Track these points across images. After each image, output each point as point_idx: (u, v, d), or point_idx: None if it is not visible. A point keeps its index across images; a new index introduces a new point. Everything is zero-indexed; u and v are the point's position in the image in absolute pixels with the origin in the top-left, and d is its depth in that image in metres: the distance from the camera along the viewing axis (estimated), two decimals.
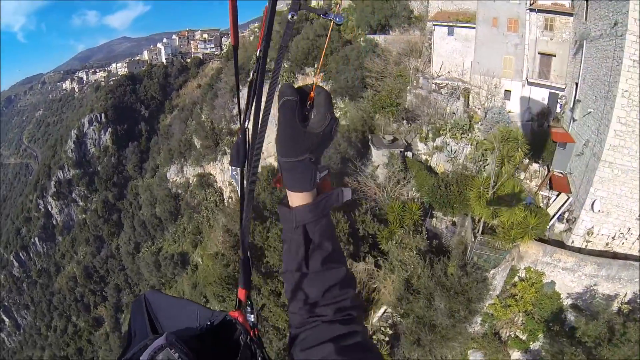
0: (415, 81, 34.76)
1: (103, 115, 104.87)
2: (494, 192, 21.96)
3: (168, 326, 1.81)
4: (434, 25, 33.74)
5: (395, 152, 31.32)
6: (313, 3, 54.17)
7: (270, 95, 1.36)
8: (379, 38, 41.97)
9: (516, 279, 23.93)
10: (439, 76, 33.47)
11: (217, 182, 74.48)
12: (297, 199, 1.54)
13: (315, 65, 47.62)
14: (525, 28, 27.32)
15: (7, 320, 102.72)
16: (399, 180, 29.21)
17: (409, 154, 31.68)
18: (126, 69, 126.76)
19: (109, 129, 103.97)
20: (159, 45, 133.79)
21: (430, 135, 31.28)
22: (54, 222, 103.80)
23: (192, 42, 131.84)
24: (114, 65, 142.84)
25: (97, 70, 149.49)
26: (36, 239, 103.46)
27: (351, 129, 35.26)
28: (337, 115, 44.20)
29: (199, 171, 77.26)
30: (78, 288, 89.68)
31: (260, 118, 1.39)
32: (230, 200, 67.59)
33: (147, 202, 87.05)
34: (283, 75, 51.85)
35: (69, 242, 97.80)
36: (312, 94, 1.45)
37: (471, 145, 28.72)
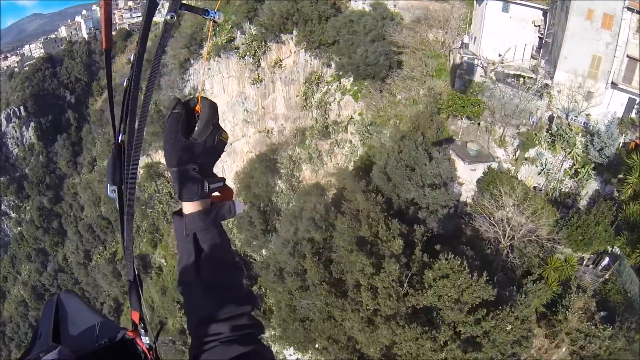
0: (452, 60, 30.94)
1: (22, 108, 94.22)
2: None
3: (72, 333, 1.82)
4: None
5: (490, 166, 27.16)
6: None
7: (146, 106, 1.33)
8: (386, 1, 35.91)
9: None
10: (502, 63, 29.63)
11: (168, 172, 67.73)
12: (189, 207, 1.55)
13: (295, 33, 40.97)
14: (620, 27, 25.78)
15: None
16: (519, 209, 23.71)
17: (494, 165, 27.66)
18: (42, 50, 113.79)
19: (32, 123, 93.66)
20: (78, 18, 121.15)
21: (508, 139, 27.96)
22: None
23: (115, 12, 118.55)
24: (27, 47, 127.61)
25: (9, 54, 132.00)
26: None
27: (430, 139, 27.84)
28: (339, 92, 34.17)
29: (146, 161, 70.78)
30: (31, 312, 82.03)
31: (136, 130, 1.37)
32: None
33: (89, 202, 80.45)
34: (252, 45, 45.43)
35: (8, 262, 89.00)
36: (198, 107, 1.49)
37: (573, 160, 26.01)
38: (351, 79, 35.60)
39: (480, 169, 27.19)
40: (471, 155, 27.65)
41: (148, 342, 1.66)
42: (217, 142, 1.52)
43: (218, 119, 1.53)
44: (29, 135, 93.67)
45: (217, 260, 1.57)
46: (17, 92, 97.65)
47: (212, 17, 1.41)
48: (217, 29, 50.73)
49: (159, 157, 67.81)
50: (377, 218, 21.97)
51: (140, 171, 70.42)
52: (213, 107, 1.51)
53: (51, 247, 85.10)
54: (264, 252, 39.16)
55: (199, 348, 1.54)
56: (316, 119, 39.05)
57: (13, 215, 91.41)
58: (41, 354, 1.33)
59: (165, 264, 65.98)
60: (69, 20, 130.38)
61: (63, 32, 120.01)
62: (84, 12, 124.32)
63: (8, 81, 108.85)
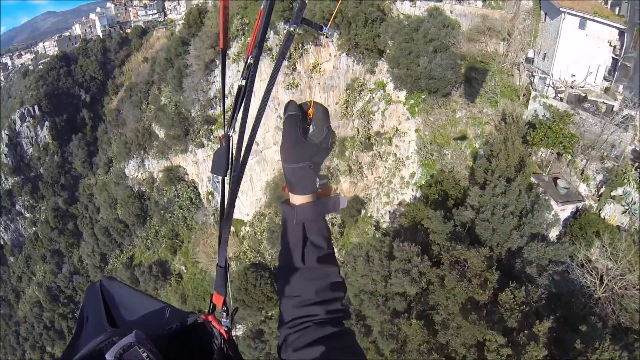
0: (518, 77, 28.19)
1: (36, 107, 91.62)
2: None
3: (127, 318, 1.85)
4: (567, 13, 28.03)
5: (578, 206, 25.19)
6: None
7: (263, 106, 1.44)
8: (443, 6, 32.74)
9: None
10: (581, 86, 27.48)
11: (188, 176, 66.51)
12: (298, 200, 1.65)
13: (337, 35, 38.27)
14: None
15: None
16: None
17: (579, 204, 25.70)
18: (56, 48, 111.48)
19: (46, 123, 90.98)
20: (92, 16, 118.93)
21: (590, 173, 25.81)
22: (1, 242, 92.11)
23: (130, 9, 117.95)
24: (41, 45, 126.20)
25: (23, 52, 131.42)
26: None
27: (525, 178, 25.02)
28: (383, 101, 35.96)
29: (166, 164, 68.40)
30: (45, 313, 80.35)
31: (251, 127, 1.46)
32: (210, 196, 59.58)
33: (105, 204, 78.25)
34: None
35: (22, 262, 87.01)
36: (311, 111, 1.58)
37: None
38: (404, 91, 32.65)
39: (568, 209, 24.75)
40: (561, 195, 25.13)
41: (227, 324, 1.72)
42: (330, 144, 1.60)
43: (330, 122, 1.61)
44: (44, 135, 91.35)
45: (321, 248, 1.64)
46: (31, 90, 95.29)
47: (324, 33, 1.52)
48: (247, 28, 48.32)
49: (179, 160, 65.79)
50: (493, 280, 19.37)
51: (160, 175, 69.24)
52: (326, 112, 1.59)
53: (66, 248, 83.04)
54: None
55: (292, 327, 1.58)
56: (358, 129, 36.41)
57: (28, 215, 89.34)
58: (114, 339, 1.34)
59: (185, 271, 63.93)
60: (83, 18, 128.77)
61: (77, 29, 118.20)
62: (98, 9, 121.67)
63: (22, 79, 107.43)
